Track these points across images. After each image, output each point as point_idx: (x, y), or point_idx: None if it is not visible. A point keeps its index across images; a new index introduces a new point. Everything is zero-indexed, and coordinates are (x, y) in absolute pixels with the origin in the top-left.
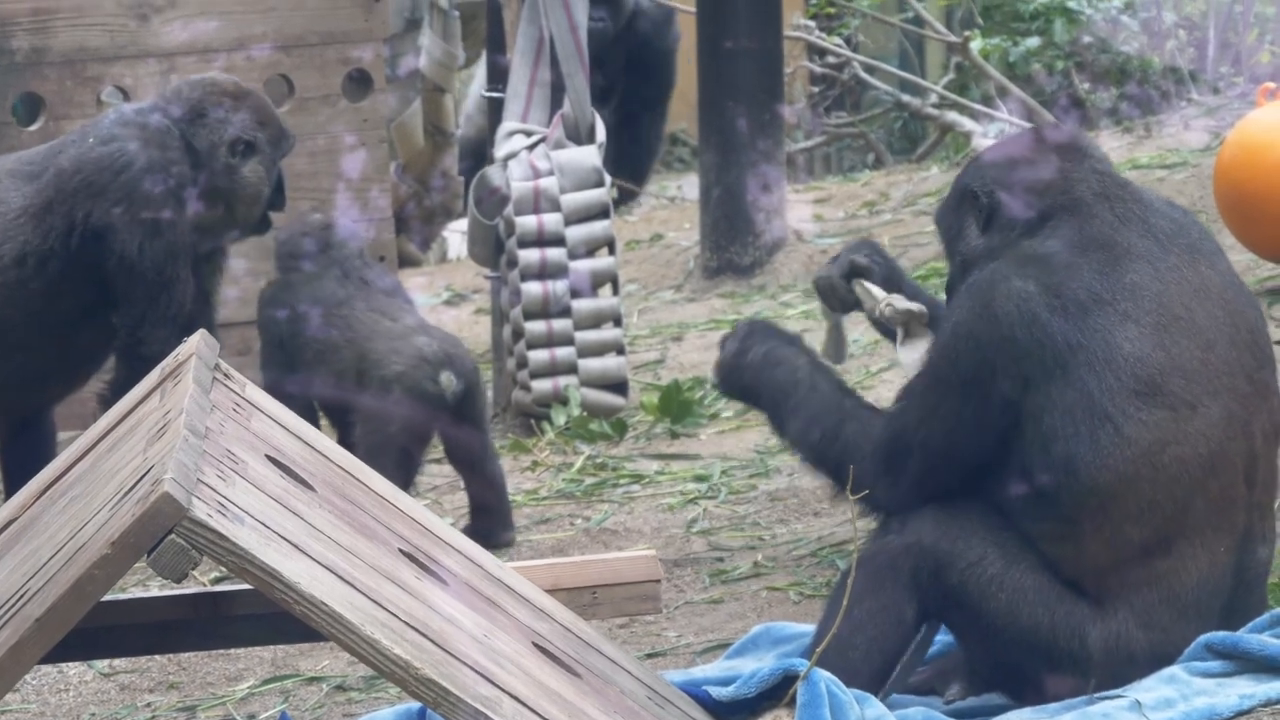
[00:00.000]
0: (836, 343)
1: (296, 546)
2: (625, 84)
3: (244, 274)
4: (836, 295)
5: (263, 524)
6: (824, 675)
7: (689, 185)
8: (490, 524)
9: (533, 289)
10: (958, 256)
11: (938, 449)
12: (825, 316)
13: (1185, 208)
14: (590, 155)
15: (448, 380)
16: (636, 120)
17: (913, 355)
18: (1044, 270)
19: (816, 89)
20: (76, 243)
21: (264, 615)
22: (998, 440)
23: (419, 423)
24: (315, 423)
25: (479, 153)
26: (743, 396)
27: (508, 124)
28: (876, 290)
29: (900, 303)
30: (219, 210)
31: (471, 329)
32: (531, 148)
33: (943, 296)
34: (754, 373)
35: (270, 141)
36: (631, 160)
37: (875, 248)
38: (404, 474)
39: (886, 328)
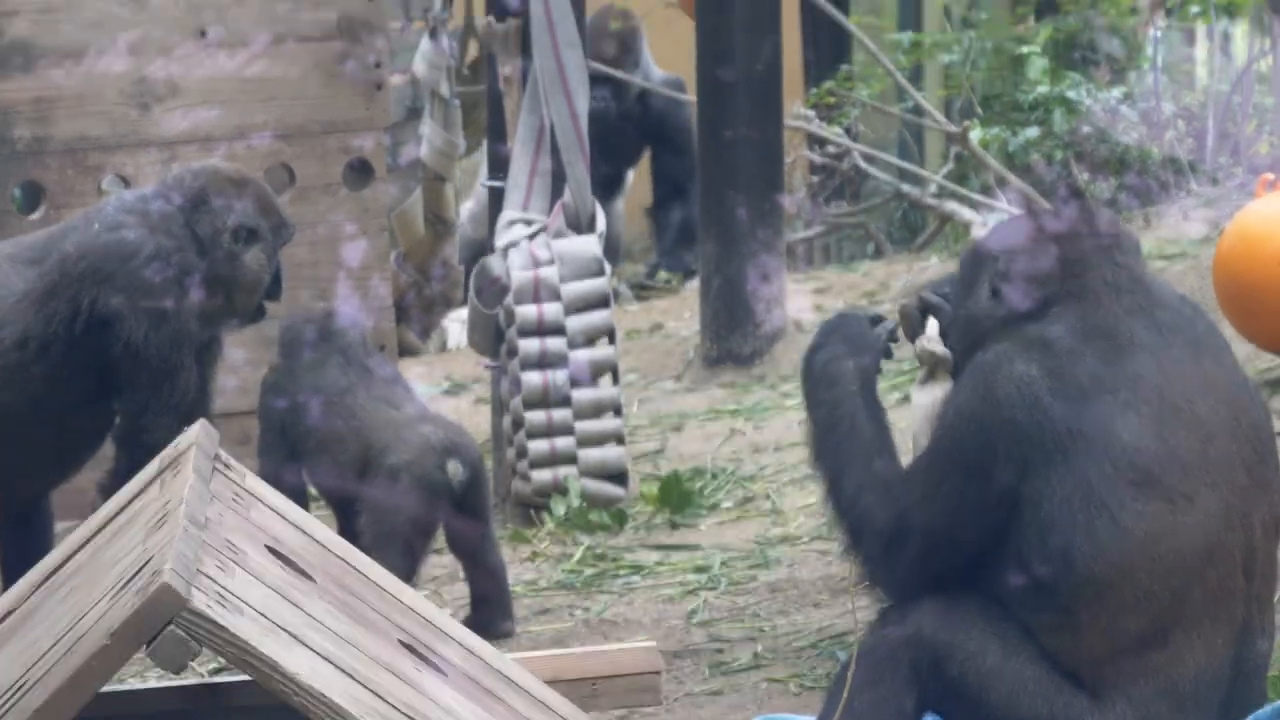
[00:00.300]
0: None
1: (296, 638)
2: (654, 169)
3: (243, 364)
4: (910, 324)
5: (262, 615)
6: None
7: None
8: (490, 615)
9: (533, 378)
10: (964, 313)
11: (940, 531)
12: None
13: (1195, 303)
14: (591, 244)
15: (454, 469)
16: (672, 201)
17: (925, 399)
18: (1047, 355)
19: (816, 178)
20: (81, 329)
21: (263, 707)
22: (999, 526)
23: (425, 512)
24: (306, 507)
25: (479, 251)
26: (804, 393)
27: (508, 213)
28: (930, 326)
29: (931, 344)
30: (218, 298)
31: (471, 418)
32: (532, 237)
33: None
34: (811, 383)
35: (272, 230)
36: (681, 241)
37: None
38: (408, 564)
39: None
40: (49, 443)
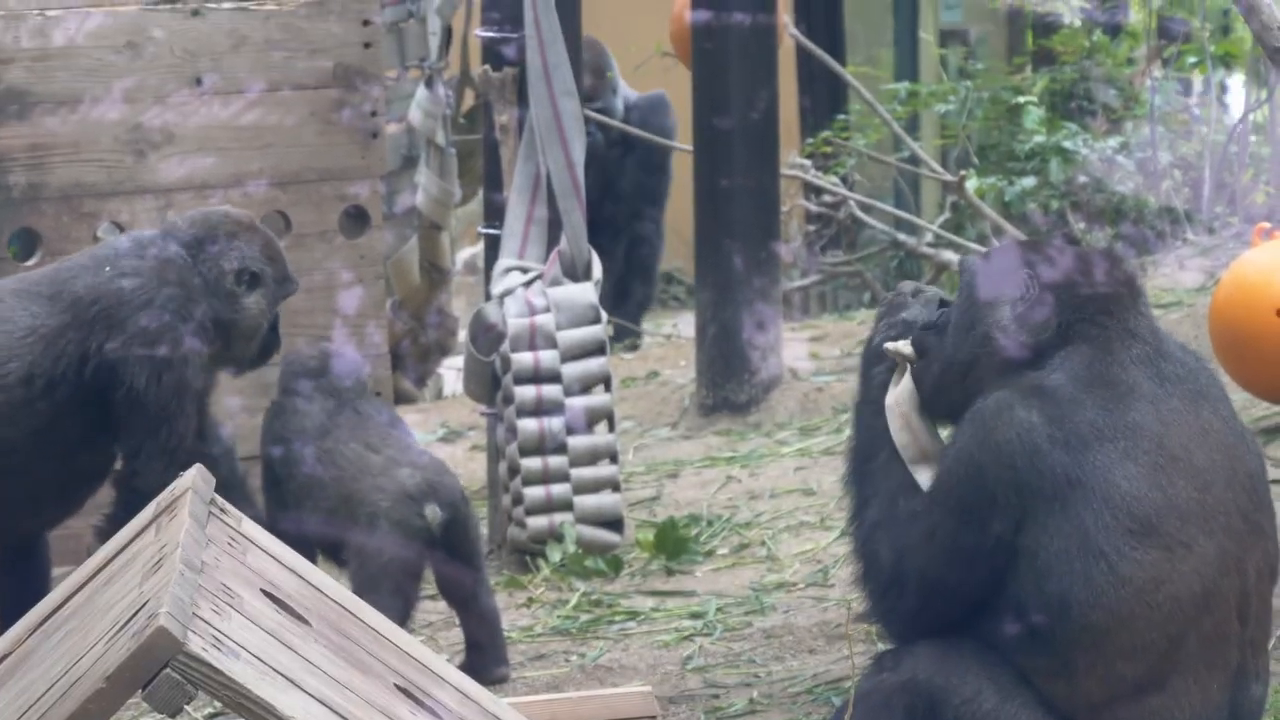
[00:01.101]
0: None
1: (292, 681)
2: (627, 181)
3: (239, 410)
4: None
5: (258, 658)
6: None
7: (685, 323)
8: (485, 660)
9: (528, 426)
10: (960, 350)
11: (936, 578)
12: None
13: (1198, 354)
14: (587, 292)
15: (432, 513)
16: (640, 219)
17: (892, 399)
18: (1048, 403)
19: (812, 227)
20: (90, 371)
21: None
22: (996, 572)
23: (408, 557)
24: (312, 558)
25: None
26: (858, 393)
27: (504, 260)
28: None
29: (900, 346)
30: (218, 343)
31: (467, 465)
32: (528, 284)
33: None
34: (861, 402)
35: (275, 279)
36: (640, 266)
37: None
38: (401, 606)
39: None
40: (50, 479)
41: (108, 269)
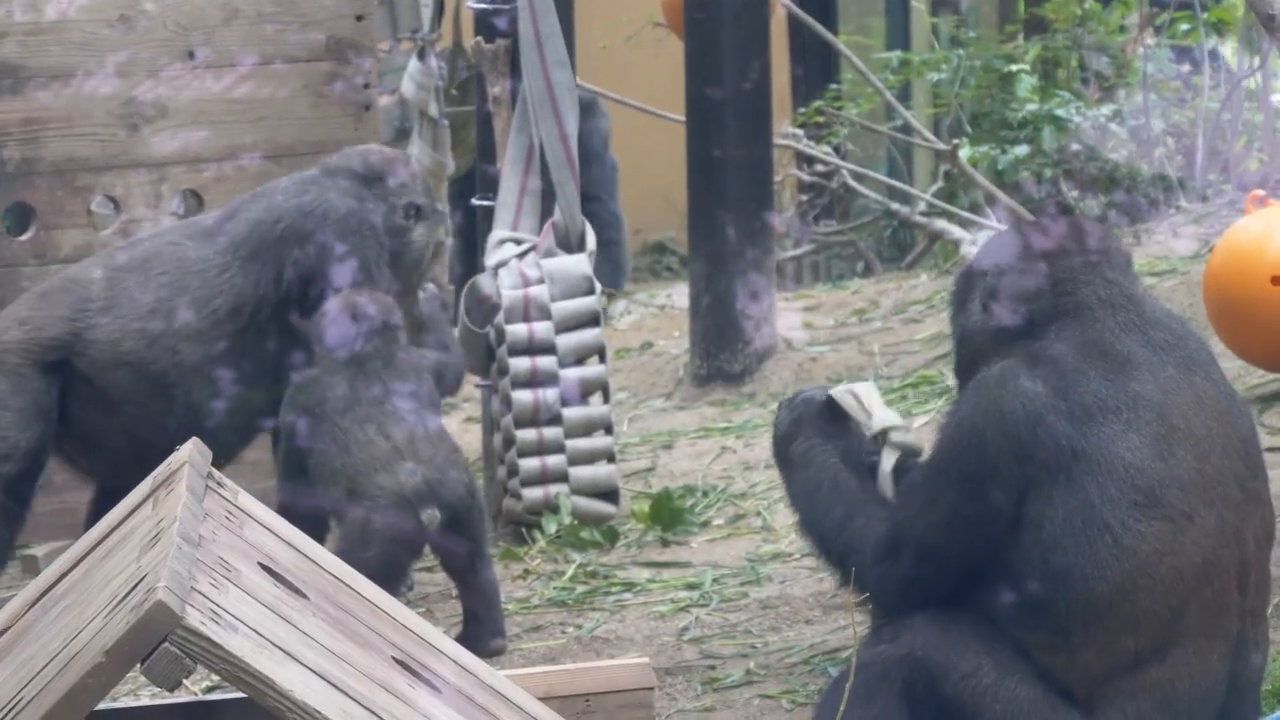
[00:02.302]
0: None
1: (290, 654)
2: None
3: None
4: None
5: (256, 631)
6: None
7: (679, 293)
8: (482, 632)
9: (523, 397)
10: (959, 329)
11: (933, 545)
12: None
13: (1184, 319)
14: (581, 263)
15: (429, 518)
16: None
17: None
18: (1053, 373)
19: (805, 197)
20: (285, 287)
21: None
22: (994, 543)
23: (399, 552)
24: (323, 530)
25: None
26: (783, 480)
27: (498, 232)
28: (889, 416)
29: (900, 435)
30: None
31: (463, 437)
32: (522, 256)
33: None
34: (789, 469)
35: (432, 211)
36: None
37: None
38: (391, 588)
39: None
40: (254, 404)
41: (279, 196)
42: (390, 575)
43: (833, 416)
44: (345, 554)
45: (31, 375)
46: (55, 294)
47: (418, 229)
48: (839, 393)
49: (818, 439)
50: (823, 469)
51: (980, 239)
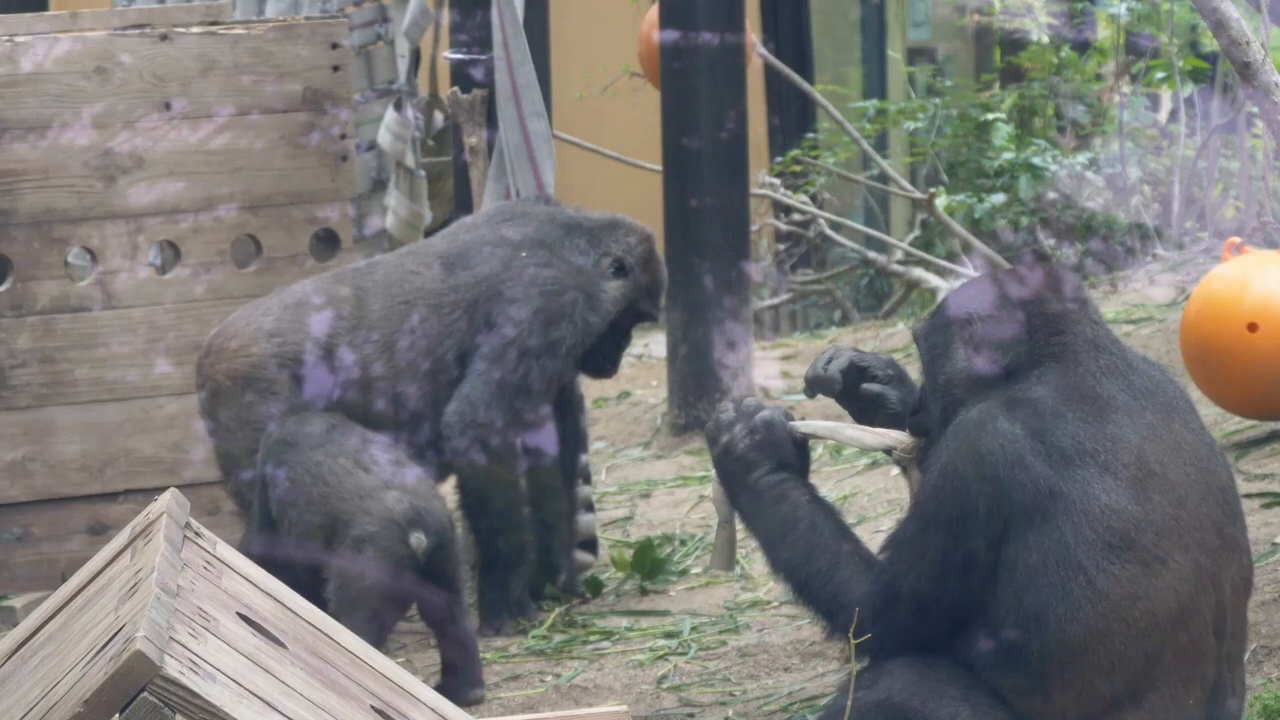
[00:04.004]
0: (726, 548)
1: (269, 704)
2: None
3: (207, 434)
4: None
5: (235, 681)
6: None
7: (656, 343)
8: (460, 682)
9: None
10: (940, 378)
11: (928, 594)
12: (720, 517)
13: (1162, 366)
14: None
15: (418, 541)
16: None
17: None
18: (1032, 416)
19: (782, 246)
20: (485, 336)
21: None
22: (984, 587)
23: (390, 584)
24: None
25: None
26: (737, 508)
27: None
28: (864, 438)
29: (904, 453)
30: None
31: (443, 486)
32: None
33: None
34: (754, 499)
35: (644, 289)
36: None
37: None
38: (375, 632)
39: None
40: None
41: (524, 254)
42: (381, 610)
43: (795, 443)
44: (339, 591)
45: (287, 387)
46: (302, 306)
47: (613, 284)
48: (810, 427)
49: (787, 474)
50: (797, 507)
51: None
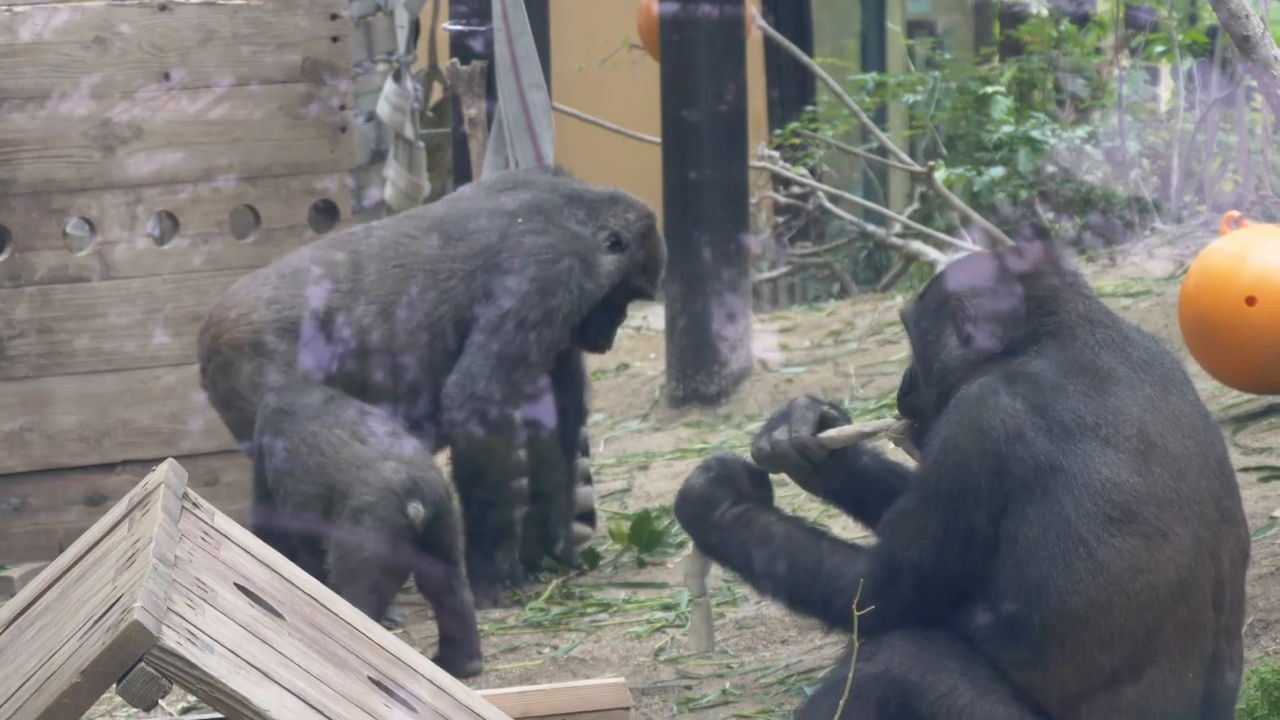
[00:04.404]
0: (703, 626)
1: (266, 674)
2: None
3: (207, 404)
4: (806, 455)
5: (232, 652)
6: None
7: (654, 315)
8: (458, 654)
9: None
10: (935, 363)
11: (929, 568)
12: (691, 595)
13: (1157, 338)
14: None
15: (415, 511)
16: None
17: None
18: (1033, 390)
19: (781, 219)
20: (479, 303)
21: None
22: (984, 561)
23: (389, 555)
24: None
25: None
26: (707, 550)
27: None
28: (849, 429)
29: (892, 432)
30: None
31: (440, 459)
32: None
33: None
34: (722, 533)
35: (641, 266)
36: None
37: (814, 399)
38: (375, 604)
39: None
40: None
41: (520, 221)
42: (381, 581)
43: (753, 477)
44: (338, 563)
45: (288, 353)
46: (300, 274)
47: (609, 258)
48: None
49: (748, 503)
50: (767, 526)
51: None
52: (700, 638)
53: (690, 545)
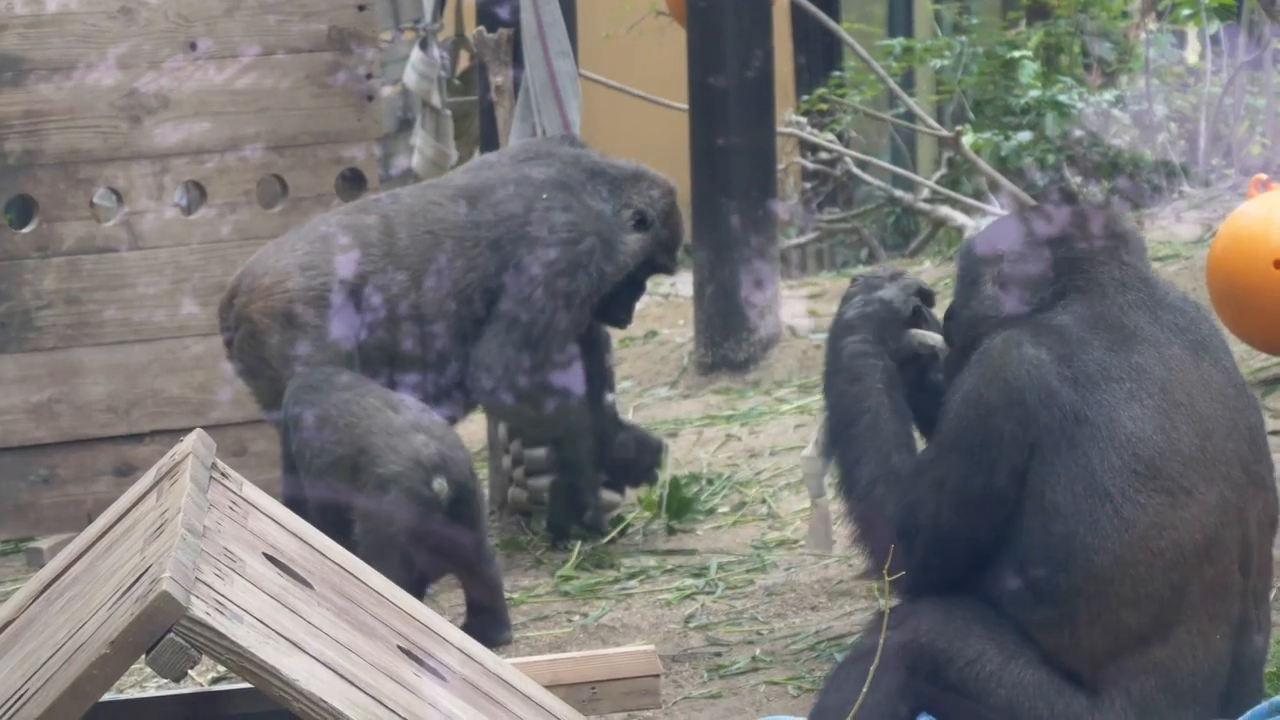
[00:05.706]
0: (821, 526)
1: (295, 644)
2: None
3: (235, 374)
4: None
5: (261, 622)
6: None
7: (683, 282)
8: (486, 623)
9: None
10: (966, 309)
11: (949, 522)
12: (810, 490)
13: (1199, 305)
14: None
15: (440, 486)
16: None
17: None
18: (1057, 341)
19: (809, 185)
20: (508, 278)
21: (263, 714)
22: (1006, 516)
23: (416, 527)
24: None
25: None
26: (826, 362)
27: None
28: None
29: (921, 333)
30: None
31: (467, 426)
32: None
33: None
34: (836, 370)
35: (661, 244)
36: None
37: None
38: (403, 577)
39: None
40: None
41: (544, 196)
42: (408, 553)
43: (902, 324)
44: (365, 535)
45: (320, 321)
46: (330, 239)
47: (632, 236)
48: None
49: (871, 338)
50: (868, 394)
51: (984, 225)
52: (819, 539)
53: (810, 445)
